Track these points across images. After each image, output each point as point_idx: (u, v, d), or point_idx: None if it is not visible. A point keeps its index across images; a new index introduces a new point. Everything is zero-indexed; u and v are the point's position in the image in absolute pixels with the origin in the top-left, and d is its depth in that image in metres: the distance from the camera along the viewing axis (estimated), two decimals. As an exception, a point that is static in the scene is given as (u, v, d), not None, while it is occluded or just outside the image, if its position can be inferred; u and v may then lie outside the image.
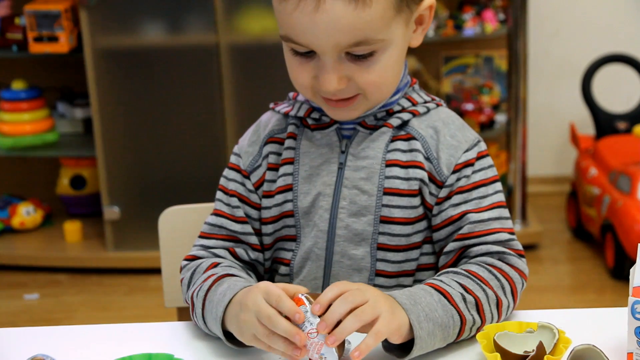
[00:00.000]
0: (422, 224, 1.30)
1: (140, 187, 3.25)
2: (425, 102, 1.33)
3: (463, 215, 1.27)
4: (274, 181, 1.33)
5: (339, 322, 1.08)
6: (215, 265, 1.29)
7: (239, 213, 1.34)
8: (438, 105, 1.34)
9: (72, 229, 3.37)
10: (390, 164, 1.28)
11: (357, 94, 1.25)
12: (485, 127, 3.39)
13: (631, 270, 1.10)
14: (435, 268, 1.32)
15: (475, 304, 1.19)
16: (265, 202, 1.34)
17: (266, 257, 1.36)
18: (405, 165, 1.28)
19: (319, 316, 1.09)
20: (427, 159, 1.29)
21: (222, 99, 3.11)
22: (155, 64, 3.14)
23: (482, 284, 1.21)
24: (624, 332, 1.10)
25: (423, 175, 1.28)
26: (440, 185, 1.28)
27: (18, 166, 3.64)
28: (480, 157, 1.30)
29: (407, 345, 1.13)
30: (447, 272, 1.23)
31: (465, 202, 1.27)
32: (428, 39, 3.23)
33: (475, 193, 1.28)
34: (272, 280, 1.36)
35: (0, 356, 1.20)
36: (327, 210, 1.30)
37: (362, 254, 1.29)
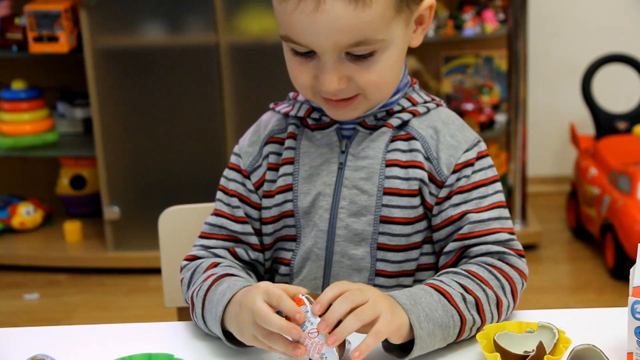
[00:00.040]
0: (422, 224, 1.30)
1: (140, 187, 3.26)
2: (425, 102, 1.33)
3: (463, 215, 1.27)
4: (274, 181, 1.33)
5: (339, 322, 1.08)
6: (215, 265, 1.29)
7: (239, 213, 1.34)
8: (438, 105, 1.34)
9: (72, 229, 3.37)
10: (390, 164, 1.28)
11: (357, 94, 1.25)
12: (485, 127, 3.39)
13: (631, 270, 1.10)
14: (435, 268, 1.32)
15: (475, 304, 1.19)
16: (266, 202, 1.34)
17: (266, 257, 1.36)
18: (405, 165, 1.28)
19: (320, 316, 1.09)
20: (427, 159, 1.29)
21: (222, 99, 3.11)
22: (155, 64, 3.14)
23: (482, 284, 1.21)
24: (624, 332, 1.10)
25: (423, 175, 1.28)
26: (440, 185, 1.28)
27: (18, 166, 3.64)
28: (480, 157, 1.30)
29: (407, 346, 1.13)
30: (447, 272, 1.23)
31: (465, 202, 1.27)
32: (428, 39, 3.23)
33: (475, 193, 1.28)
34: (272, 281, 1.36)
35: (0, 356, 1.20)
36: (327, 210, 1.30)
37: (362, 254, 1.29)
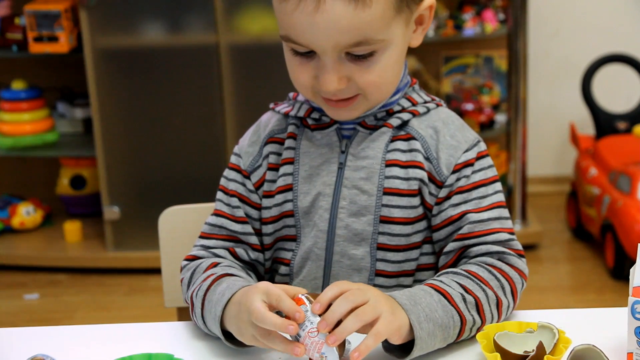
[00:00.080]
0: (422, 224, 1.30)
1: (140, 187, 3.26)
2: (425, 102, 1.33)
3: (463, 215, 1.27)
4: (274, 181, 1.33)
5: (339, 322, 1.08)
6: (215, 265, 1.29)
7: (239, 213, 1.34)
8: (438, 105, 1.34)
9: (72, 229, 3.37)
10: (390, 164, 1.29)
11: (357, 94, 1.25)
12: (485, 127, 3.39)
13: (631, 270, 1.10)
14: (435, 268, 1.32)
15: (475, 304, 1.19)
16: (266, 202, 1.34)
17: (266, 257, 1.36)
18: (404, 165, 1.28)
19: (320, 315, 1.09)
20: (427, 159, 1.29)
21: (222, 99, 3.11)
22: (155, 64, 3.14)
23: (482, 284, 1.21)
24: (624, 332, 1.10)
25: (423, 175, 1.28)
26: (440, 185, 1.28)
27: (18, 166, 3.64)
28: (480, 157, 1.30)
29: (408, 346, 1.13)
30: (447, 273, 1.23)
31: (465, 202, 1.27)
32: (428, 39, 3.23)
33: (475, 193, 1.28)
34: (272, 281, 1.36)
35: (0, 356, 1.20)
36: (327, 210, 1.30)
37: (362, 253, 1.29)
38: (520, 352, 1.09)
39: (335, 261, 1.30)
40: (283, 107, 1.36)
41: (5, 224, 3.45)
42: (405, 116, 1.30)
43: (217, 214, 1.35)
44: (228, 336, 1.18)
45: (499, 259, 1.25)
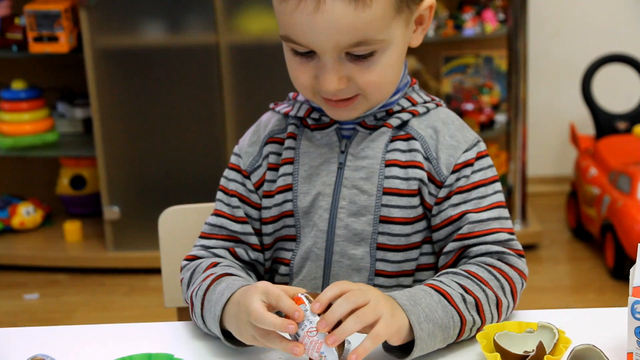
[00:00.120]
0: (422, 224, 1.30)
1: (140, 187, 3.26)
2: (425, 102, 1.33)
3: (462, 215, 1.27)
4: (274, 181, 1.33)
5: (339, 322, 1.08)
6: (215, 265, 1.29)
7: (239, 213, 1.34)
8: (438, 105, 1.34)
9: (72, 229, 3.37)
10: (389, 164, 1.29)
11: (357, 94, 1.25)
12: (485, 127, 3.39)
13: (631, 270, 1.10)
14: (434, 268, 1.32)
15: (475, 305, 1.19)
16: (266, 202, 1.34)
17: (266, 257, 1.36)
18: (404, 165, 1.28)
19: (319, 315, 1.09)
20: (427, 159, 1.29)
21: (222, 99, 3.11)
22: (155, 64, 3.14)
23: (482, 285, 1.21)
24: (624, 332, 1.10)
25: (422, 175, 1.28)
26: (439, 185, 1.28)
27: (18, 166, 3.64)
28: (479, 157, 1.30)
29: (408, 346, 1.13)
30: (447, 273, 1.23)
31: (465, 202, 1.27)
32: (428, 39, 3.23)
33: (475, 193, 1.28)
34: (272, 280, 1.36)
35: (0, 356, 1.20)
36: (326, 210, 1.30)
37: (362, 253, 1.29)
38: (520, 352, 1.09)
39: (335, 261, 1.30)
40: (283, 107, 1.36)
41: (5, 224, 3.45)
42: (405, 116, 1.30)
43: (217, 214, 1.35)
44: (228, 336, 1.18)
45: (498, 259, 1.25)
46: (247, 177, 1.35)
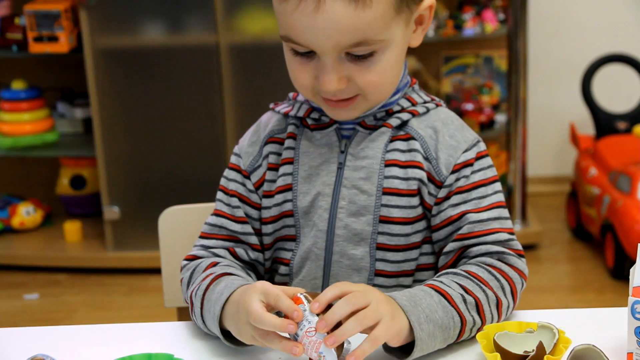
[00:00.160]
0: (421, 224, 1.30)
1: (140, 187, 3.26)
2: (425, 102, 1.33)
3: (462, 215, 1.27)
4: (274, 181, 1.33)
5: (339, 323, 1.08)
6: (214, 264, 1.29)
7: (239, 213, 1.34)
8: (438, 105, 1.34)
9: (72, 229, 3.37)
10: (389, 164, 1.29)
11: (357, 94, 1.25)
12: (485, 127, 3.39)
13: (631, 270, 1.10)
14: (434, 268, 1.32)
15: (475, 305, 1.19)
16: (265, 202, 1.34)
17: (266, 257, 1.36)
18: (404, 165, 1.28)
19: (318, 315, 1.09)
20: (426, 159, 1.29)
21: (222, 99, 3.11)
22: (155, 64, 3.14)
23: (482, 285, 1.21)
24: (624, 332, 1.10)
25: (422, 175, 1.28)
26: (439, 185, 1.28)
27: (18, 166, 3.64)
28: (479, 157, 1.30)
29: (408, 346, 1.13)
30: (447, 273, 1.23)
31: (465, 202, 1.27)
32: (428, 39, 3.23)
33: (475, 193, 1.28)
34: (272, 280, 1.36)
35: (0, 356, 1.20)
36: (326, 210, 1.30)
37: (362, 253, 1.29)
38: (520, 352, 1.09)
39: (335, 261, 1.30)
40: (283, 107, 1.36)
41: (5, 224, 3.45)
42: (405, 116, 1.30)
43: (217, 214, 1.35)
44: (227, 335, 1.18)
45: (498, 259, 1.25)
46: (247, 177, 1.35)
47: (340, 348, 1.10)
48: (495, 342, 1.11)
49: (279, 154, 1.34)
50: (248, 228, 1.34)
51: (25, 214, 3.45)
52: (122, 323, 1.31)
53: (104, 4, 3.04)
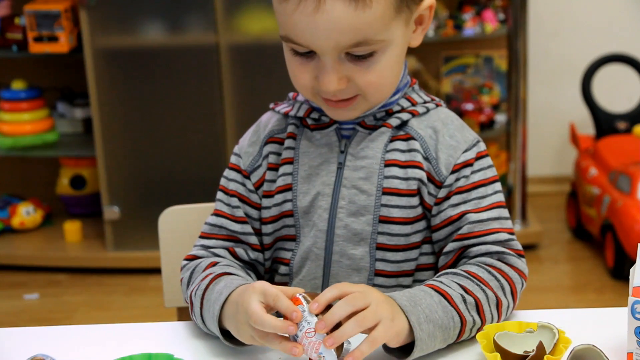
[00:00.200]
0: (421, 224, 1.30)
1: (140, 187, 3.26)
2: (425, 102, 1.33)
3: (462, 215, 1.27)
4: (274, 181, 1.33)
5: (338, 324, 1.08)
6: (214, 264, 1.29)
7: (239, 213, 1.34)
8: (437, 105, 1.34)
9: (72, 229, 3.37)
10: (389, 164, 1.29)
11: (357, 95, 1.25)
12: (485, 127, 3.39)
13: (631, 270, 1.10)
14: (434, 268, 1.32)
15: (475, 305, 1.19)
16: (265, 202, 1.34)
17: (266, 257, 1.36)
18: (403, 165, 1.28)
19: (317, 316, 1.09)
20: (426, 159, 1.29)
21: (222, 99, 3.11)
22: (155, 64, 3.14)
23: (482, 285, 1.21)
24: (624, 332, 1.10)
25: (422, 175, 1.28)
26: (439, 185, 1.28)
27: (18, 166, 3.64)
28: (479, 157, 1.30)
29: (408, 346, 1.13)
30: (447, 273, 1.23)
31: (465, 202, 1.27)
32: (428, 39, 3.23)
33: (475, 193, 1.28)
34: (272, 280, 1.36)
35: (0, 356, 1.20)
36: (326, 210, 1.30)
37: (361, 253, 1.29)
38: (520, 352, 1.09)
39: (335, 261, 1.30)
40: (283, 107, 1.36)
41: (5, 224, 3.45)
42: (405, 116, 1.30)
43: (217, 213, 1.35)
44: (227, 335, 1.18)
45: (498, 259, 1.25)
46: (247, 177, 1.35)
47: (340, 348, 1.10)
48: (495, 342, 1.11)
49: (279, 154, 1.34)
50: (248, 228, 1.34)
51: (25, 214, 3.45)
52: (122, 323, 1.31)
53: (104, 4, 3.04)
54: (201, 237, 1.36)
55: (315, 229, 1.30)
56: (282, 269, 1.34)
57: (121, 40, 3.14)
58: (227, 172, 1.37)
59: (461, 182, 1.28)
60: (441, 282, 1.20)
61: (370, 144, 1.29)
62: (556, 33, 3.73)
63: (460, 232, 1.26)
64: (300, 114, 1.33)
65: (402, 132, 1.30)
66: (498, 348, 1.10)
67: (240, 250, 1.33)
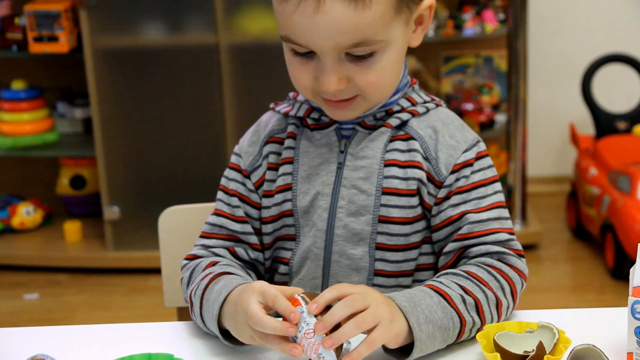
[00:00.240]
0: (421, 224, 1.30)
1: (140, 187, 3.26)
2: (425, 102, 1.33)
3: (462, 215, 1.27)
4: (274, 181, 1.33)
5: (338, 325, 1.08)
6: (214, 264, 1.29)
7: (239, 213, 1.34)
8: (437, 105, 1.34)
9: (72, 229, 3.37)
10: (388, 164, 1.29)
11: (357, 95, 1.25)
12: (485, 127, 3.39)
13: (631, 270, 1.10)
14: (434, 268, 1.32)
15: (475, 306, 1.19)
16: (265, 202, 1.34)
17: (266, 257, 1.36)
18: (403, 165, 1.28)
19: (316, 316, 1.09)
20: (426, 159, 1.29)
21: (222, 99, 3.11)
22: (155, 64, 3.14)
23: (482, 285, 1.21)
24: (624, 332, 1.10)
25: (421, 175, 1.28)
26: (439, 185, 1.28)
27: (18, 166, 3.64)
28: (479, 157, 1.30)
29: (408, 347, 1.13)
30: (447, 274, 1.23)
31: (465, 202, 1.27)
32: (428, 39, 3.23)
33: (475, 193, 1.28)
34: (272, 280, 1.36)
35: (0, 356, 1.20)
36: (325, 210, 1.30)
37: (361, 253, 1.29)
38: (520, 352, 1.09)
39: (334, 261, 1.30)
40: (283, 107, 1.36)
41: (5, 224, 3.45)
42: (405, 116, 1.30)
43: (217, 213, 1.35)
44: (226, 334, 1.18)
45: (498, 260, 1.25)
46: (247, 176, 1.35)
47: (339, 348, 1.10)
48: (495, 342, 1.11)
49: (279, 154, 1.34)
50: (248, 228, 1.34)
51: (25, 214, 3.45)
52: (122, 323, 1.31)
53: (104, 4, 3.04)
54: (201, 236, 1.36)
55: (315, 229, 1.30)
56: (282, 268, 1.35)
57: (121, 40, 3.14)
58: (228, 172, 1.37)
59: (461, 182, 1.28)
60: (441, 282, 1.20)
61: (370, 144, 1.29)
62: (556, 33, 3.73)
63: (460, 232, 1.26)
64: (300, 113, 1.33)
65: (402, 132, 1.30)
66: (498, 348, 1.10)
67: (240, 250, 1.33)
